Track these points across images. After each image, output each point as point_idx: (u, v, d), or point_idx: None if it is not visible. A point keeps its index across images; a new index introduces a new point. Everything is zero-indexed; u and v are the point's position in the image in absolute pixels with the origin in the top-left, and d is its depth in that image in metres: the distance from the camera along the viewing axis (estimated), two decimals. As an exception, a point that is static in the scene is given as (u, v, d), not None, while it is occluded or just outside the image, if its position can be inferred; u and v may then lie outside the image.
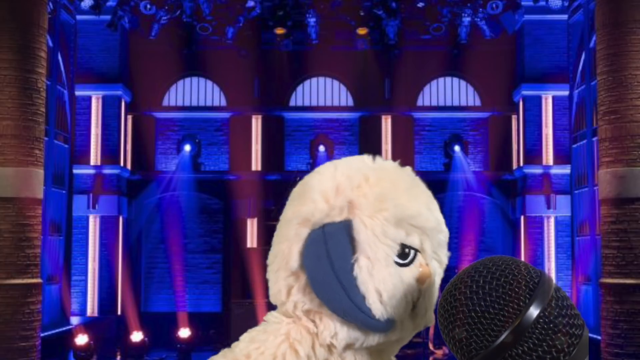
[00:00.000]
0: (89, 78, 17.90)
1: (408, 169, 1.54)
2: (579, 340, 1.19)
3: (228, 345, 1.49)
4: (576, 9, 17.13)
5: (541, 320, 1.18)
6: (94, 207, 17.75)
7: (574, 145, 17.37)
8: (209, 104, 19.35)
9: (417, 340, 15.00)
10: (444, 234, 1.51)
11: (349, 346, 1.45)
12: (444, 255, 1.53)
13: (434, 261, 1.50)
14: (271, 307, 1.58)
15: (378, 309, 1.40)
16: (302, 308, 1.46)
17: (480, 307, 1.20)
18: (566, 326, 1.19)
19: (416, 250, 1.45)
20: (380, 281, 1.40)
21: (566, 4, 17.52)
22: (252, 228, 18.50)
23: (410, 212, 1.44)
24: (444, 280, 1.46)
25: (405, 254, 1.43)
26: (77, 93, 17.96)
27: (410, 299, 1.44)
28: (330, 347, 1.44)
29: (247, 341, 1.45)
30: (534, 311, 1.18)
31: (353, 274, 1.40)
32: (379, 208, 1.42)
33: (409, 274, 1.43)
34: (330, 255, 1.41)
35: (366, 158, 1.54)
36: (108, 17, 16.83)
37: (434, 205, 1.52)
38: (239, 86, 18.72)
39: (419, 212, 1.45)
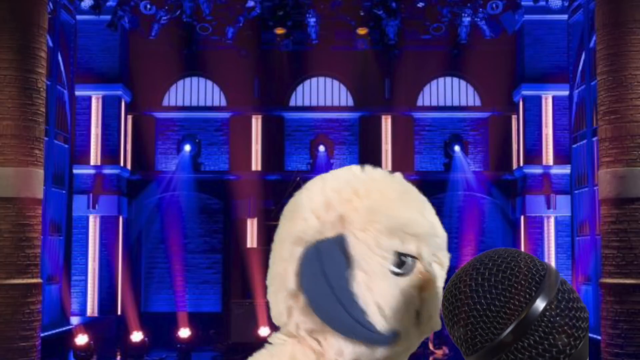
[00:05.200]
0: (88, 78, 17.89)
1: (398, 175, 1.53)
2: (585, 333, 1.18)
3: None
4: (576, 9, 17.13)
5: (547, 314, 1.17)
6: (94, 207, 17.75)
7: (574, 145, 17.37)
8: (209, 104, 19.35)
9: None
10: (440, 238, 1.49)
11: None
12: (444, 257, 1.51)
13: (435, 264, 1.48)
14: None
15: (380, 323, 1.37)
16: (305, 328, 1.43)
17: (486, 299, 1.19)
18: (572, 319, 1.18)
19: (414, 258, 1.43)
20: (379, 295, 1.37)
21: (566, 4, 17.52)
22: (252, 228, 18.50)
23: (402, 221, 1.42)
24: (444, 281, 1.45)
25: (402, 262, 1.41)
26: (77, 93, 17.96)
27: (413, 308, 1.41)
28: None
29: None
30: (539, 304, 1.17)
31: (351, 290, 1.37)
32: (370, 220, 1.40)
33: (409, 283, 1.41)
34: (326, 273, 1.38)
35: (354, 168, 1.51)
36: (108, 17, 16.83)
37: (428, 210, 1.50)
38: (239, 86, 18.72)
39: (412, 219, 1.43)
